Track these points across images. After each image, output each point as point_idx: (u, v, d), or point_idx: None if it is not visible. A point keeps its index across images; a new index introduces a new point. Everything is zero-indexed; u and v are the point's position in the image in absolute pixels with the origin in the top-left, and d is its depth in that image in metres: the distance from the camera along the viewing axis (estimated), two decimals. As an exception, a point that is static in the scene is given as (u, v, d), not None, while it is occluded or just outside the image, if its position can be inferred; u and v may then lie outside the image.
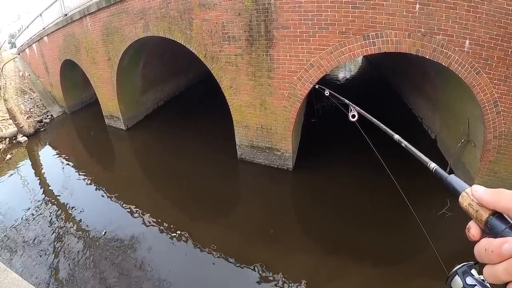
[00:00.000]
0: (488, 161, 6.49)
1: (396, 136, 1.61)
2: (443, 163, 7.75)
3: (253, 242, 6.43)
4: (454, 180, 0.77)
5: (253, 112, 8.21)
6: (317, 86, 5.30)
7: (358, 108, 2.65)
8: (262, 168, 8.81)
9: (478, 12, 5.47)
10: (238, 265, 5.84)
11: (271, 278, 5.51)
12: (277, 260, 5.90)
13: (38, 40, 15.46)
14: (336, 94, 3.57)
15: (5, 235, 7.37)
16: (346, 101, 2.93)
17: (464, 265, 0.76)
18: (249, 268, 5.75)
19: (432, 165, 1.03)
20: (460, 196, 0.70)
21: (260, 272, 5.64)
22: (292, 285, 5.37)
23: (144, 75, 13.07)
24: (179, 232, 6.76)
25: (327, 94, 4.15)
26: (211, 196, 8.04)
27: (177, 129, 12.40)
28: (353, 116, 2.70)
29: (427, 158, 1.11)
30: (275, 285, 5.39)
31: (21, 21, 25.53)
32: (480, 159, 6.65)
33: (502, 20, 5.39)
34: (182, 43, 8.66)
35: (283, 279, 5.45)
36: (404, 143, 1.45)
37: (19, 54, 19.69)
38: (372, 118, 2.13)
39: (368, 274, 5.50)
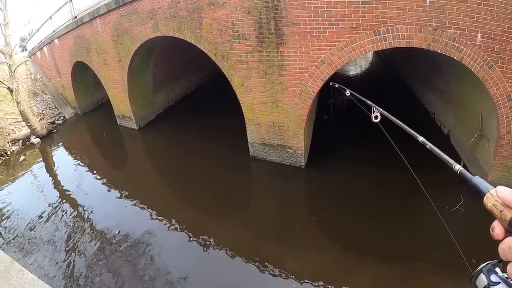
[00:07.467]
0: (502, 156, 6.42)
1: (421, 138, 1.61)
2: (456, 159, 7.67)
3: (266, 240, 6.44)
4: (479, 181, 0.81)
5: (264, 109, 8.23)
6: (336, 85, 5.13)
7: (381, 110, 2.62)
8: (274, 166, 8.83)
9: (490, 5, 5.40)
10: (251, 263, 5.84)
11: (284, 276, 5.51)
12: (290, 258, 5.92)
13: (49, 42, 15.70)
14: (357, 95, 3.47)
15: (20, 236, 7.50)
16: (368, 102, 2.89)
17: (488, 263, 0.79)
18: (262, 266, 5.75)
19: (457, 167, 1.05)
20: (485, 197, 0.73)
21: (273, 270, 5.64)
22: (306, 283, 5.34)
23: (155, 75, 13.20)
24: (192, 230, 6.82)
25: (348, 95, 4.07)
26: (224, 194, 8.09)
27: (189, 127, 12.50)
28: (376, 117, 2.68)
29: (452, 160, 1.13)
30: (289, 283, 5.38)
31: (31, 24, 25.88)
32: (494, 154, 6.58)
33: (515, 13, 5.33)
34: (192, 42, 8.72)
35: (297, 277, 5.44)
36: (429, 145, 1.46)
37: (30, 57, 20.00)
38: (396, 120, 2.11)
39: (383, 270, 5.47)
